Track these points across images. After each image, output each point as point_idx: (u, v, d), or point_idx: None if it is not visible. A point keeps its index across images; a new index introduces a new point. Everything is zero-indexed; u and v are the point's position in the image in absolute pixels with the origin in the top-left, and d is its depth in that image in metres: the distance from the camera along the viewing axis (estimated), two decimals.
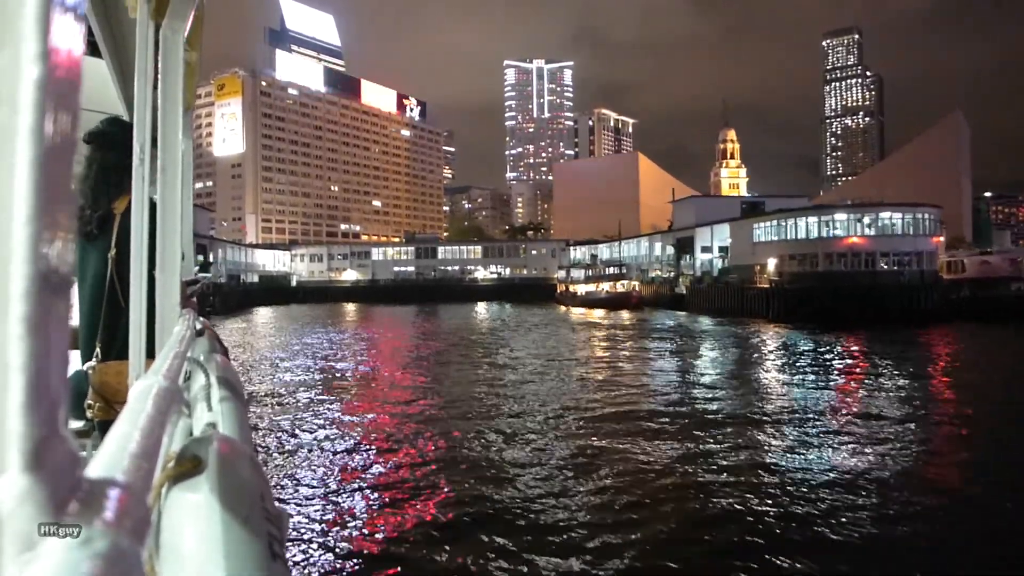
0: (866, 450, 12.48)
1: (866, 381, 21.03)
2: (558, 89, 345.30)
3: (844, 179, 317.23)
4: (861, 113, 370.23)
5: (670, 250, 72.96)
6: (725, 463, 11.55)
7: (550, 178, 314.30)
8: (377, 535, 8.49)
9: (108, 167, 2.49)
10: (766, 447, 12.74)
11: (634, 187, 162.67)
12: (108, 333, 2.32)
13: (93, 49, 2.73)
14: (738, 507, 9.38)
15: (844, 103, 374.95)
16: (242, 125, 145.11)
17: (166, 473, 0.71)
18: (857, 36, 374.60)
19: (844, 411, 16.06)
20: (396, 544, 8.20)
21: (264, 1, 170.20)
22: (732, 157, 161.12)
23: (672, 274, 70.26)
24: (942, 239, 52.93)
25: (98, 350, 2.30)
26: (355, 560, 7.77)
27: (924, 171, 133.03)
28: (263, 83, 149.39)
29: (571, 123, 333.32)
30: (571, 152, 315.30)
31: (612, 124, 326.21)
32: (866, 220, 47.70)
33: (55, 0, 0.37)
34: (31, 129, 0.35)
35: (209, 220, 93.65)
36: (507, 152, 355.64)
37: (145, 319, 1.77)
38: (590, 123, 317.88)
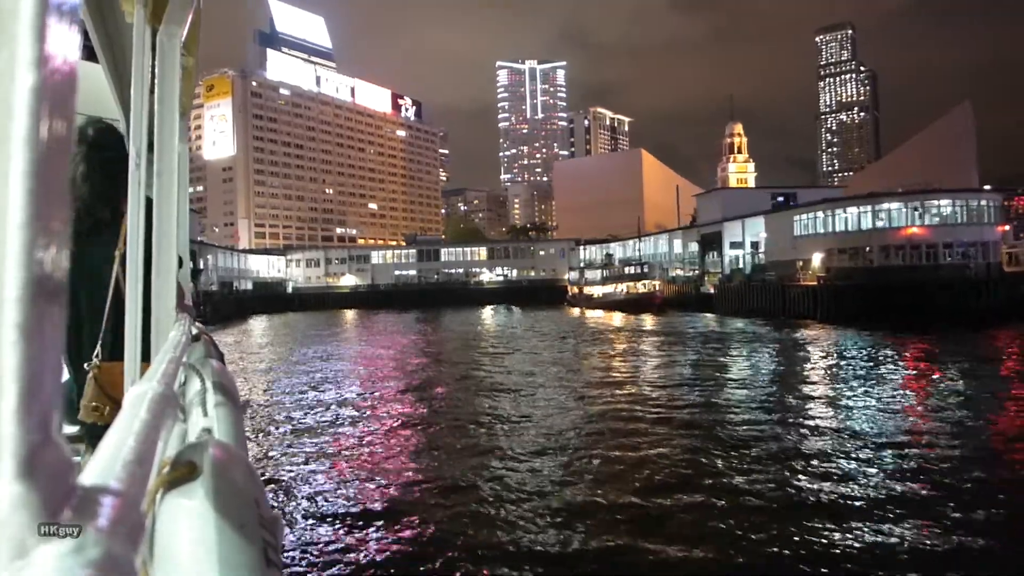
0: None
1: (964, 398, 17.17)
2: (551, 89, 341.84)
3: (841, 175, 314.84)
4: (856, 108, 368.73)
5: (693, 247, 68.42)
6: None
7: (545, 179, 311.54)
8: (373, 542, 8.46)
9: (113, 166, 2.37)
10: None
11: (637, 185, 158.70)
12: (115, 333, 2.26)
13: (89, 54, 2.61)
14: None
15: (839, 99, 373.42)
16: (232, 127, 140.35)
17: (161, 479, 0.70)
18: (850, 31, 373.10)
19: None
20: (392, 551, 8.17)
21: (253, 3, 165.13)
22: (739, 151, 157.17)
23: (697, 273, 65.84)
24: (1007, 228, 48.68)
25: (99, 350, 2.25)
26: (350, 566, 7.75)
27: (935, 162, 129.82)
28: (254, 83, 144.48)
29: (565, 123, 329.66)
30: (565, 152, 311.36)
31: (608, 123, 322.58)
32: (926, 208, 43.27)
33: (51, 5, 0.37)
34: (26, 135, 0.35)
35: (199, 225, 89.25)
36: (501, 154, 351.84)
37: (141, 323, 1.77)
38: (586, 122, 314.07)
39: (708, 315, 51.75)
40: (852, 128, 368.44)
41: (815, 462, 11.49)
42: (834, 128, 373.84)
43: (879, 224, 44.42)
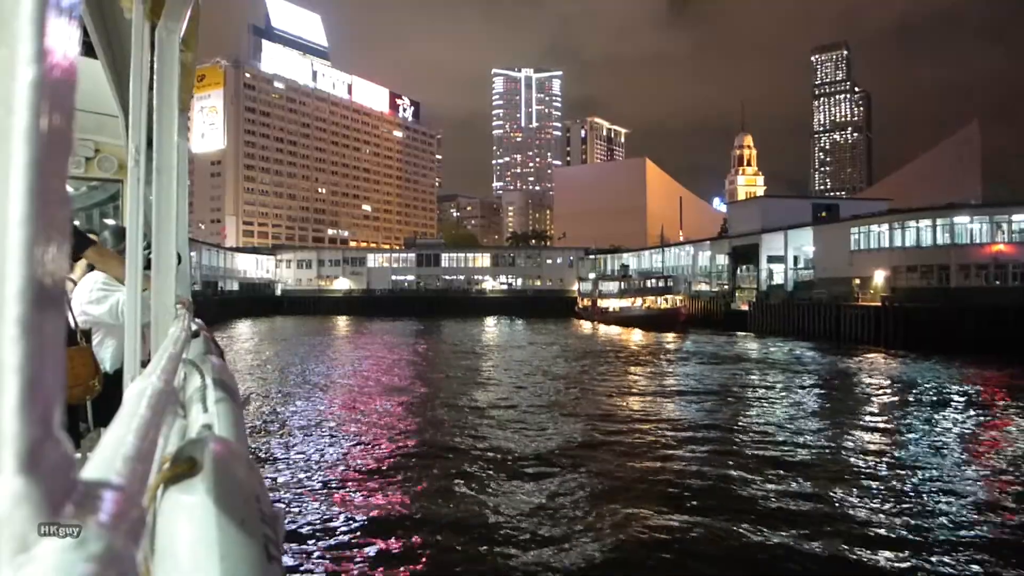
0: None
1: None
2: (546, 99, 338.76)
3: (833, 195, 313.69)
4: (850, 129, 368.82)
5: (721, 260, 63.43)
6: None
7: (538, 188, 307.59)
8: (373, 537, 8.46)
9: None
10: None
11: (640, 194, 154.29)
12: None
13: (88, 50, 2.66)
14: None
15: (832, 118, 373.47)
16: (223, 120, 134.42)
17: (161, 475, 0.70)
18: (845, 52, 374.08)
19: None
20: (392, 546, 8.20)
21: None
22: (749, 164, 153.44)
23: (726, 288, 60.85)
24: None
25: None
26: (351, 561, 7.78)
27: (942, 181, 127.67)
28: (247, 75, 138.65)
29: (559, 132, 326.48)
30: (559, 162, 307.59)
31: (604, 133, 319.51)
32: (1012, 224, 38.47)
33: (50, 1, 0.37)
34: (26, 131, 0.35)
35: None
36: (494, 161, 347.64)
37: (139, 324, 1.77)
38: (583, 132, 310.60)
39: (741, 335, 47.17)
40: (845, 148, 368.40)
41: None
42: (827, 147, 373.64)
43: (960, 239, 39.69)
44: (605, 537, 8.85)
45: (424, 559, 7.91)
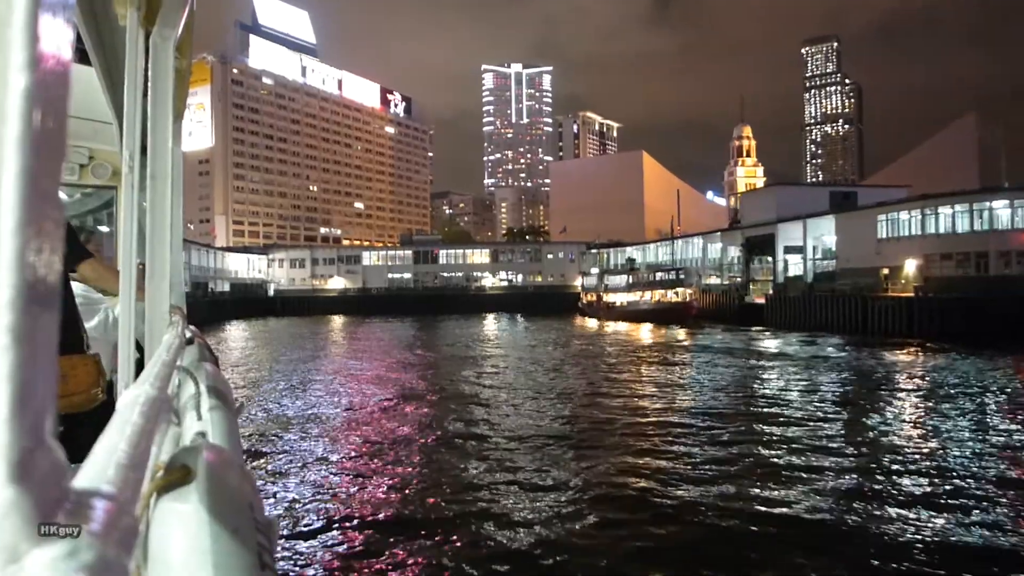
0: None
1: None
2: (537, 94, 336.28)
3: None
4: (840, 120, 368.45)
5: (733, 252, 61.18)
6: None
7: (530, 184, 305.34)
8: (370, 545, 8.38)
9: None
10: None
11: (638, 188, 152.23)
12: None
13: (82, 56, 2.61)
14: None
15: (824, 111, 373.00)
16: (211, 117, 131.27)
17: (154, 483, 0.69)
18: (836, 44, 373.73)
19: None
20: (388, 554, 8.11)
21: None
22: (748, 155, 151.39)
23: (739, 280, 58.62)
24: None
25: None
26: (347, 570, 7.74)
27: (940, 172, 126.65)
28: (235, 71, 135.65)
29: (550, 128, 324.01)
30: (550, 157, 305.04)
31: (597, 128, 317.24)
32: None
33: (43, 8, 0.37)
34: (19, 137, 0.34)
35: None
36: (485, 158, 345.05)
37: (132, 332, 1.79)
38: (575, 127, 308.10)
39: (757, 330, 44.82)
40: (837, 140, 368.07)
41: None
42: (819, 140, 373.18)
43: (999, 225, 37.56)
44: (611, 542, 8.45)
45: (422, 566, 7.80)
